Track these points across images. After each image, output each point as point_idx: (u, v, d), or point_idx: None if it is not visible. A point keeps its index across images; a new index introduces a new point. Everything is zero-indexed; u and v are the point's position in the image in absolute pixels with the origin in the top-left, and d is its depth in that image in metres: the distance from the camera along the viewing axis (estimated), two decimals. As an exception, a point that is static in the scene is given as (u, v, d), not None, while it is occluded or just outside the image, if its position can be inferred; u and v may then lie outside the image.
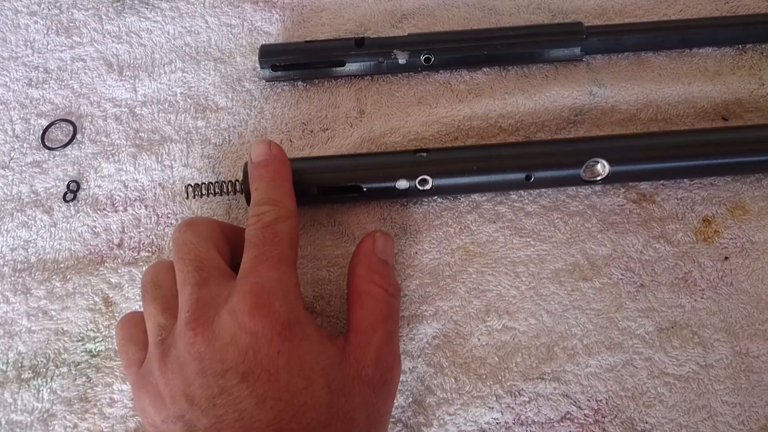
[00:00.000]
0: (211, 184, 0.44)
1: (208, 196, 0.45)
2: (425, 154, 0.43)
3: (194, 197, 0.45)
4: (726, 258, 0.42)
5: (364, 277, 0.38)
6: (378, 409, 0.35)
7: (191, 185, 0.44)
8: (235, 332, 0.32)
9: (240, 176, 0.45)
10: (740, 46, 0.49)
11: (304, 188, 0.42)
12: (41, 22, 0.54)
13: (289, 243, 0.36)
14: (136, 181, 0.47)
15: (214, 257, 0.36)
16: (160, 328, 0.35)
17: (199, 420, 0.31)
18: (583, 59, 0.49)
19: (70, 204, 0.47)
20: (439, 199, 0.45)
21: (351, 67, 0.48)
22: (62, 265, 0.45)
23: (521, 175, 0.42)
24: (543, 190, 0.45)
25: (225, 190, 0.44)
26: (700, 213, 0.44)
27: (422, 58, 0.48)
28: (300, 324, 0.34)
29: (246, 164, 0.42)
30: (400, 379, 0.40)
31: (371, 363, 0.35)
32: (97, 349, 0.42)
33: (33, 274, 0.45)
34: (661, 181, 0.45)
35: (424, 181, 0.42)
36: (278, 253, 0.35)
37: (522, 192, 0.45)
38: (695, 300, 0.42)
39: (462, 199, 0.45)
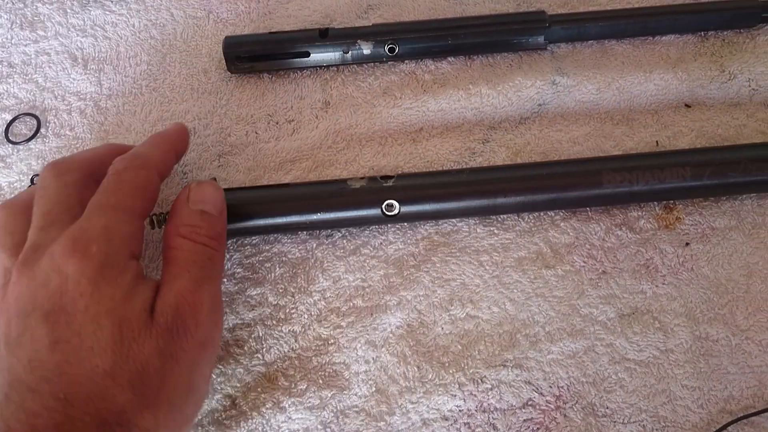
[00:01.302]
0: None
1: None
2: (392, 182, 0.41)
3: (160, 228, 0.40)
4: (687, 244, 0.42)
5: (169, 233, 0.36)
6: (177, 357, 0.32)
7: (156, 215, 0.40)
8: (48, 273, 0.31)
9: None
10: (702, 33, 0.49)
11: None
12: (5, 16, 0.52)
13: (132, 192, 0.35)
14: (102, 174, 0.46)
15: (65, 202, 0.35)
16: (5, 270, 0.34)
17: (5, 360, 0.31)
18: (548, 48, 0.48)
19: (35, 198, 0.46)
20: (404, 189, 0.45)
21: (316, 57, 0.47)
22: (27, 260, 0.44)
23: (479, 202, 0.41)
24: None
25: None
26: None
27: (387, 48, 0.47)
28: (115, 270, 0.32)
29: None
30: (363, 369, 0.39)
31: (169, 309, 0.33)
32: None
33: (-4, 269, 0.44)
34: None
35: (390, 206, 0.41)
36: (115, 200, 0.34)
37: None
38: (656, 286, 0.41)
39: (426, 189, 0.45)
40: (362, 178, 0.42)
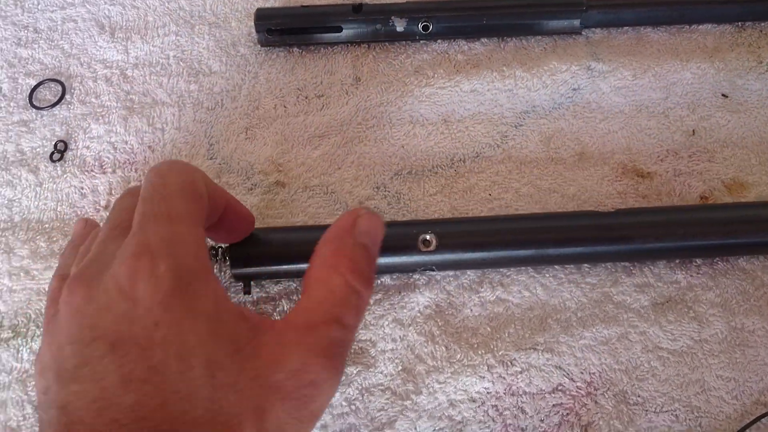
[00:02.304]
0: None
1: None
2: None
3: (224, 261, 0.38)
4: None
5: (327, 260, 0.29)
6: (280, 424, 0.26)
7: (221, 247, 0.38)
8: (112, 296, 0.26)
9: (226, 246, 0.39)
10: (739, 23, 0.48)
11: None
12: (32, -18, 0.51)
13: (181, 195, 0.29)
14: (126, 143, 0.45)
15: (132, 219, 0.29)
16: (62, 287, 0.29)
17: (57, 395, 0.25)
18: (582, 32, 0.47)
19: (57, 164, 0.45)
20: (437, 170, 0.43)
21: (348, 33, 0.46)
22: (47, 226, 0.43)
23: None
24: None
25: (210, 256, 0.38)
26: (697, 189, 0.42)
27: (420, 26, 0.46)
28: (190, 293, 0.26)
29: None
30: (390, 347, 0.38)
31: (288, 369, 0.27)
32: (81, 311, 0.40)
33: (16, 233, 0.42)
34: (659, 159, 0.43)
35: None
36: (167, 207, 0.28)
37: (518, 163, 0.43)
38: (691, 276, 0.40)
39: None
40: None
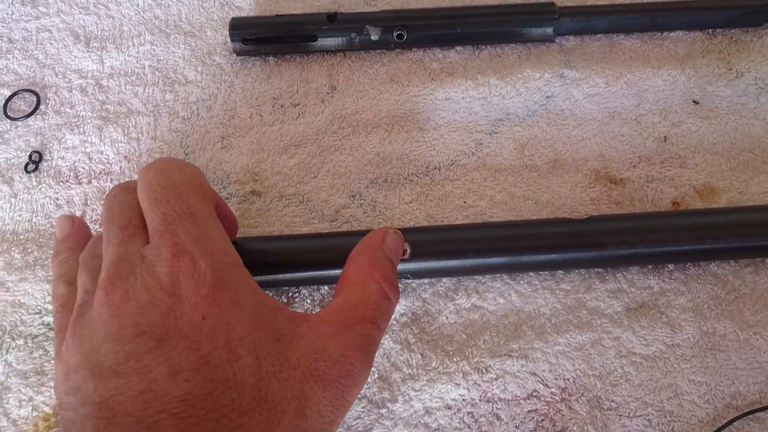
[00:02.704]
0: None
1: None
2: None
3: None
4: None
5: (363, 268, 0.32)
6: (320, 411, 0.28)
7: None
8: (155, 294, 0.27)
9: None
10: (710, 30, 0.48)
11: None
12: (6, -9, 0.51)
13: (193, 194, 0.30)
14: (101, 153, 0.45)
15: (141, 215, 0.31)
16: (85, 293, 0.30)
17: (96, 391, 0.25)
18: (556, 40, 0.47)
19: (32, 175, 0.44)
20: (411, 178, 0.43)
21: (323, 42, 0.46)
22: (22, 237, 0.42)
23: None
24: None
25: None
26: (669, 195, 0.43)
27: (395, 34, 0.46)
28: (232, 287, 0.28)
29: None
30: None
31: (330, 359, 0.28)
32: (56, 323, 0.40)
33: (-10, 246, 0.42)
34: (632, 165, 0.43)
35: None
36: (186, 206, 0.29)
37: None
38: (663, 281, 0.40)
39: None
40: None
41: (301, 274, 0.38)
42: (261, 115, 0.45)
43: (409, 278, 0.39)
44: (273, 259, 0.37)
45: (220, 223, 0.31)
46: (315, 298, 0.40)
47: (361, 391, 0.37)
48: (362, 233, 0.39)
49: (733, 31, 0.48)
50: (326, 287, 0.40)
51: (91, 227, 0.42)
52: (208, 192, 0.32)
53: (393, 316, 0.39)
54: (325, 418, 0.28)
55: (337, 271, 0.37)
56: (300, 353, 0.28)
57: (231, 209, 0.39)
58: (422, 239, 0.38)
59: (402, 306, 0.39)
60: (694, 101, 0.46)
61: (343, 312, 0.30)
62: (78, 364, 0.27)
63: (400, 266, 0.37)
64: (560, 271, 0.40)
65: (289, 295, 0.40)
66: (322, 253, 0.38)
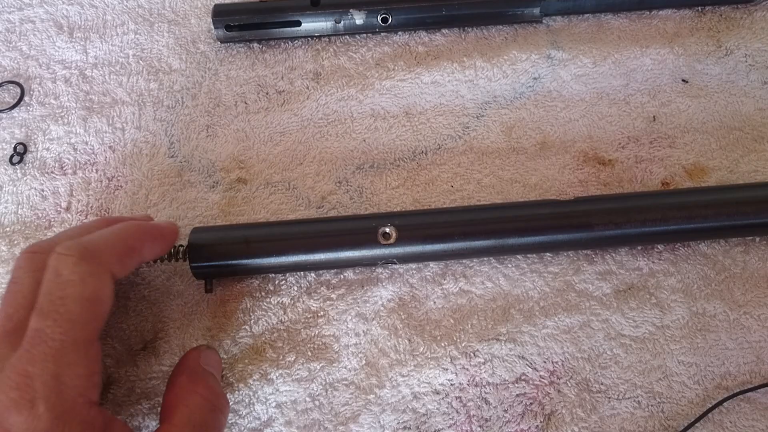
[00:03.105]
0: None
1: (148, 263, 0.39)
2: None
3: (175, 260, 0.38)
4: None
5: (185, 386, 0.32)
6: None
7: (178, 246, 0.38)
8: None
9: (185, 243, 0.38)
10: (699, 8, 0.47)
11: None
12: (-11, -17, 0.50)
13: (83, 315, 0.28)
14: (86, 144, 0.44)
15: (28, 305, 0.29)
16: None
17: None
18: (543, 21, 0.47)
19: (17, 167, 0.44)
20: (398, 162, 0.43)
21: (307, 27, 0.45)
22: (8, 229, 0.42)
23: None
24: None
25: (169, 256, 0.38)
26: (658, 175, 0.42)
27: (379, 18, 0.45)
28: (68, 429, 0.27)
29: (192, 230, 0.37)
30: (353, 341, 0.38)
31: None
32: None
33: (-25, 239, 0.42)
34: (620, 146, 0.43)
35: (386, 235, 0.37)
36: (61, 334, 0.27)
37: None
38: (653, 262, 0.39)
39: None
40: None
41: (287, 259, 0.37)
42: (246, 103, 0.45)
43: (395, 263, 0.38)
44: (258, 246, 0.37)
45: (97, 344, 0.29)
46: (302, 285, 0.39)
47: (349, 378, 0.37)
48: (349, 219, 0.38)
49: (722, 8, 0.47)
50: (312, 274, 0.39)
51: (77, 218, 0.42)
52: (105, 301, 0.30)
53: (380, 302, 0.38)
54: None
55: (322, 256, 0.36)
56: None
57: (211, 201, 0.39)
58: (407, 223, 0.37)
59: (389, 291, 0.39)
60: (683, 80, 0.45)
61: (175, 426, 0.30)
62: None
63: (388, 250, 0.37)
64: (548, 254, 0.40)
65: (276, 282, 0.39)
66: (307, 239, 0.37)
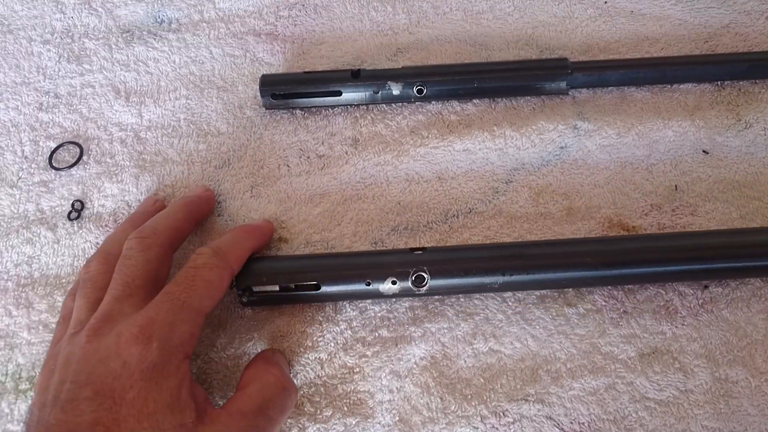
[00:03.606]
0: None
1: None
2: (422, 252, 0.41)
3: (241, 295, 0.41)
4: (706, 287, 0.42)
5: (261, 367, 0.38)
6: None
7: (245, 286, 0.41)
8: (111, 353, 0.32)
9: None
10: (719, 82, 0.49)
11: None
12: (54, 50, 0.54)
13: (204, 292, 0.36)
14: (139, 201, 0.47)
15: (143, 276, 0.37)
16: (78, 322, 0.36)
17: (48, 416, 0.31)
18: (569, 93, 0.49)
19: (74, 222, 0.46)
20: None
21: (347, 96, 0.48)
22: (64, 281, 0.44)
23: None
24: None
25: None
26: (680, 242, 0.43)
27: (415, 89, 0.47)
28: (167, 371, 0.33)
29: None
30: (387, 398, 0.39)
31: None
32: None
33: (35, 289, 0.44)
34: (644, 213, 0.44)
35: (420, 279, 0.39)
36: (185, 297, 0.35)
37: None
38: (676, 327, 0.41)
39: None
40: (394, 283, 0.40)
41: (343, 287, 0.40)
42: (288, 166, 0.47)
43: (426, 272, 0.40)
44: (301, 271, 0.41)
45: (202, 319, 0.36)
46: (338, 341, 0.41)
47: (383, 433, 0.38)
48: (393, 252, 0.42)
49: (741, 83, 0.49)
50: (349, 331, 0.41)
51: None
52: (221, 293, 0.37)
53: (413, 360, 0.40)
54: None
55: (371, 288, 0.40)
56: None
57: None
58: (438, 258, 0.40)
59: (422, 349, 0.40)
60: (704, 151, 0.47)
61: (240, 402, 0.35)
62: (49, 385, 0.33)
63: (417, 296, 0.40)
64: (575, 317, 0.41)
65: (314, 338, 0.41)
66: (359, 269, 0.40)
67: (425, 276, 0.39)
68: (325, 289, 0.40)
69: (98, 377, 0.32)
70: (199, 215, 0.44)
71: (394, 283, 0.39)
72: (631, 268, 0.40)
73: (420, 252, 0.40)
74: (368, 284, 0.39)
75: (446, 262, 0.40)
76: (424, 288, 0.39)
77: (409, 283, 0.39)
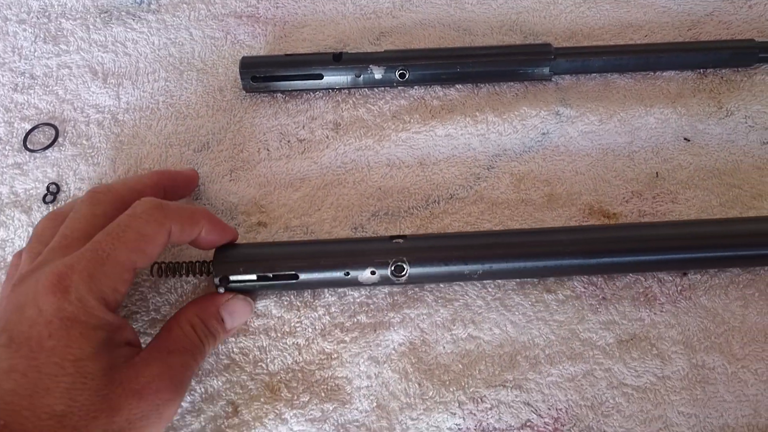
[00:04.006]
0: (180, 264, 0.40)
1: (174, 277, 0.41)
2: (402, 241, 0.40)
3: (159, 276, 0.40)
4: (685, 274, 0.42)
5: (186, 316, 0.37)
6: (129, 419, 0.32)
7: (157, 264, 0.39)
8: (27, 299, 0.32)
9: (210, 257, 0.40)
10: (701, 70, 0.49)
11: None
12: (29, 30, 0.52)
13: (134, 245, 0.34)
14: (115, 185, 0.46)
15: (83, 230, 0.35)
16: (18, 274, 0.35)
17: None
18: (552, 79, 0.48)
19: (50, 205, 0.45)
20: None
21: (329, 80, 0.47)
22: (38, 265, 0.43)
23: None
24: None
25: (194, 271, 0.40)
26: (660, 229, 0.43)
27: (397, 73, 0.47)
28: (91, 322, 0.32)
29: (217, 248, 0.39)
30: (365, 384, 0.39)
31: (146, 380, 0.33)
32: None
33: (8, 273, 0.43)
34: (624, 200, 0.44)
35: (399, 269, 0.39)
36: (110, 249, 0.33)
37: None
38: (654, 313, 0.41)
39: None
40: (373, 273, 0.39)
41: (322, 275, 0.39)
42: (268, 150, 0.47)
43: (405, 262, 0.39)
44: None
45: (132, 273, 0.34)
46: (316, 327, 0.40)
47: (360, 419, 0.38)
48: (372, 240, 0.41)
49: (723, 71, 0.49)
50: (327, 317, 0.41)
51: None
52: (154, 249, 0.35)
53: (391, 346, 0.40)
54: (133, 424, 0.32)
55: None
56: (125, 376, 0.32)
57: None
58: (417, 246, 0.40)
59: (400, 335, 0.40)
60: (685, 138, 0.46)
61: (168, 342, 0.36)
62: None
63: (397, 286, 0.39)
64: (554, 303, 0.41)
65: (291, 324, 0.40)
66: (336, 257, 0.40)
67: (405, 266, 0.39)
68: (303, 277, 0.39)
69: (14, 324, 0.31)
70: (171, 188, 0.42)
71: (373, 273, 0.39)
72: (611, 257, 0.40)
73: (400, 240, 0.40)
74: (347, 274, 0.39)
75: (426, 251, 0.39)
76: (404, 277, 0.39)
77: (389, 273, 0.39)
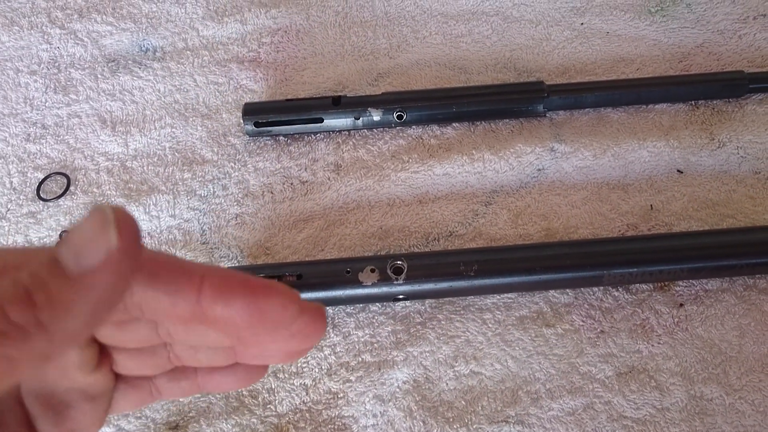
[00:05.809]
0: None
1: None
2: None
3: None
4: (681, 305, 0.43)
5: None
6: None
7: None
8: None
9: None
10: (693, 102, 0.50)
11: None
12: (40, 81, 0.54)
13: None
14: (125, 231, 0.47)
15: None
16: None
17: None
18: (547, 115, 0.50)
19: (62, 253, 0.47)
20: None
21: (329, 123, 0.49)
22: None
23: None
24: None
25: None
26: (656, 261, 0.44)
27: (395, 115, 0.48)
28: None
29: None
30: (371, 423, 0.40)
31: None
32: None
33: (24, 321, 0.45)
34: (620, 233, 0.45)
35: (398, 270, 0.41)
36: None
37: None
38: (652, 345, 0.42)
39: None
40: (373, 270, 0.42)
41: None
42: (272, 193, 0.48)
43: (401, 299, 0.42)
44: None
45: None
46: (323, 367, 0.42)
47: (366, 458, 0.39)
48: (370, 259, 0.43)
49: (714, 102, 0.50)
50: (333, 357, 0.42)
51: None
52: None
53: (396, 384, 0.41)
54: None
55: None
56: None
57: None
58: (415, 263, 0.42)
59: (404, 374, 0.41)
60: (678, 170, 0.47)
61: None
62: None
63: (395, 288, 0.42)
64: (553, 337, 0.42)
65: (298, 365, 0.42)
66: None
67: (403, 267, 0.41)
68: (305, 273, 0.42)
69: None
70: None
71: (372, 270, 0.41)
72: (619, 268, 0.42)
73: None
74: (348, 272, 0.41)
75: (424, 257, 0.43)
76: (402, 277, 0.41)
77: (388, 271, 0.41)
